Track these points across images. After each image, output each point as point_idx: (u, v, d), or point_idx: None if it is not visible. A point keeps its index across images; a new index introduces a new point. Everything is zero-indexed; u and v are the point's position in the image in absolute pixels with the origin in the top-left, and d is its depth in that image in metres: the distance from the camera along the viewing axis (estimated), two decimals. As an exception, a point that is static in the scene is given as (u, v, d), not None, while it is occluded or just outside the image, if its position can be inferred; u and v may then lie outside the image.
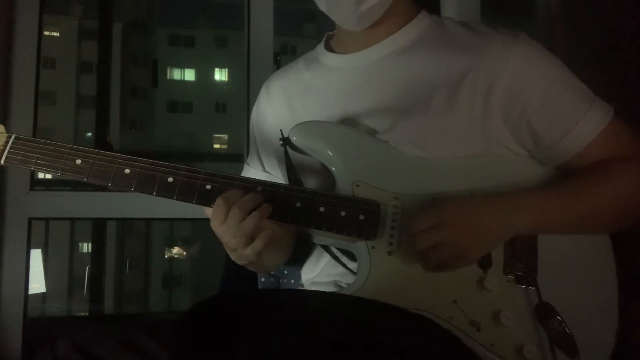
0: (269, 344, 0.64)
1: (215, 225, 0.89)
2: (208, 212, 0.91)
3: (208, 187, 0.90)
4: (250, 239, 0.88)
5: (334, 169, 0.95)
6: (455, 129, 0.94)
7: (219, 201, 0.88)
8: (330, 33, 1.12)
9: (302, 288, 1.09)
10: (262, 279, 1.20)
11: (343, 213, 0.90)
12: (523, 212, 0.90)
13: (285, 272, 1.18)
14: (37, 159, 0.91)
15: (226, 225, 0.87)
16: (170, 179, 0.90)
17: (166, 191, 0.90)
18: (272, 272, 1.19)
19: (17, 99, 1.79)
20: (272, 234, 0.89)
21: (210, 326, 0.70)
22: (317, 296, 0.91)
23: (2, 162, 0.92)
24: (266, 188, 0.91)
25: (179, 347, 0.72)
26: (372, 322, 0.76)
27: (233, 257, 0.93)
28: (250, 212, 0.87)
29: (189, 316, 0.72)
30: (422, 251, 0.86)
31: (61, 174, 0.91)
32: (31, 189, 1.79)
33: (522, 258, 0.92)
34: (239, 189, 0.89)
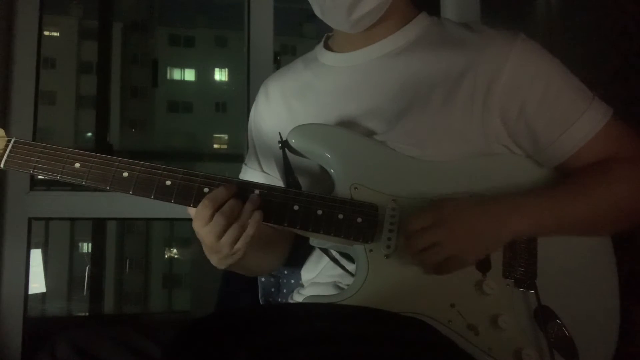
0: None
1: (198, 226, 0.88)
2: (191, 211, 0.90)
3: (206, 190, 0.89)
4: (237, 238, 0.87)
5: (332, 171, 0.94)
6: (454, 127, 0.93)
7: (204, 202, 0.86)
8: (330, 33, 1.12)
9: (300, 288, 1.09)
10: (262, 279, 1.20)
11: (341, 216, 0.90)
12: (521, 213, 0.89)
13: (285, 272, 1.18)
14: (37, 162, 0.90)
15: (210, 226, 0.86)
16: (167, 182, 0.89)
17: (164, 194, 0.89)
18: (271, 272, 1.19)
19: (17, 99, 1.79)
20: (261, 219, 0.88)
21: (198, 351, 0.70)
22: (307, 310, 0.88)
23: (1, 165, 0.91)
24: (263, 191, 0.90)
25: None
26: (365, 333, 0.76)
27: (214, 259, 0.92)
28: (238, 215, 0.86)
29: (176, 342, 0.72)
30: (417, 252, 0.86)
31: (60, 177, 0.90)
32: (31, 189, 1.79)
33: (521, 261, 0.92)
34: (225, 189, 0.87)
